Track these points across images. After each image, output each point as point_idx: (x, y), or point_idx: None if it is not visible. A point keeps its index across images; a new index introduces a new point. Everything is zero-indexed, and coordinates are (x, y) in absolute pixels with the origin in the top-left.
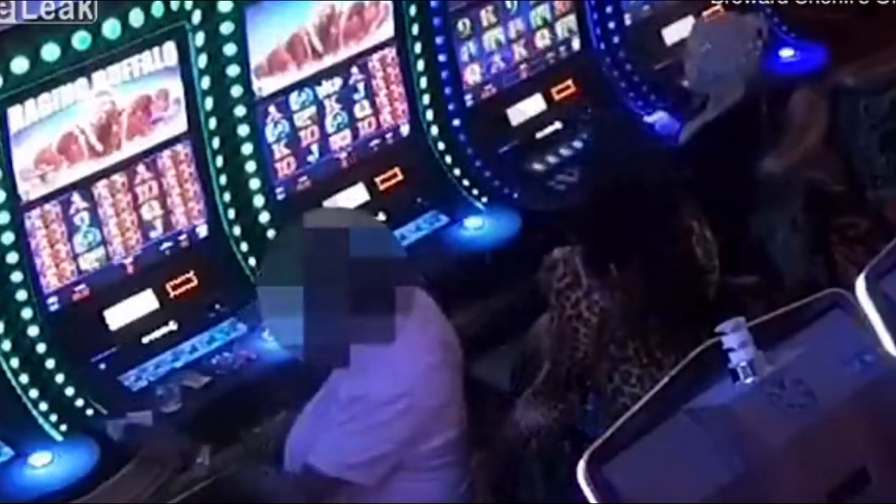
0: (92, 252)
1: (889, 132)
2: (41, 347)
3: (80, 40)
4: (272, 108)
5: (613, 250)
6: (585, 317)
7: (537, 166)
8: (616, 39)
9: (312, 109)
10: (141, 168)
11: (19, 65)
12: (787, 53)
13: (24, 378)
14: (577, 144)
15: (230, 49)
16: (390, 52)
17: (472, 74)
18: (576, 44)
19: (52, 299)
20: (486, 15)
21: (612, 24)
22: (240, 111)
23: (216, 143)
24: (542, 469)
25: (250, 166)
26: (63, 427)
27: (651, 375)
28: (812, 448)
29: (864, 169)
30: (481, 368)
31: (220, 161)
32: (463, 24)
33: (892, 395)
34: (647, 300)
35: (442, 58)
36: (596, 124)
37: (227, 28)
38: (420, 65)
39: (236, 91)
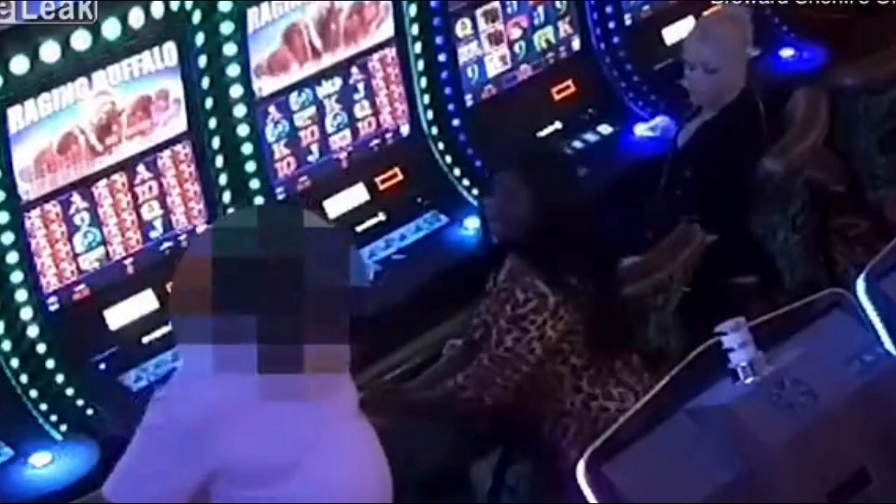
0: (92, 252)
1: (889, 132)
2: (41, 347)
3: (80, 40)
4: (272, 108)
5: (572, 264)
6: (548, 335)
7: None
8: (616, 39)
9: (312, 109)
10: (141, 168)
11: (19, 65)
12: (787, 53)
13: (24, 378)
14: (577, 144)
15: (230, 49)
16: (390, 52)
17: (472, 74)
18: (576, 44)
19: (52, 299)
20: (486, 15)
21: (612, 24)
22: (240, 111)
23: (216, 143)
24: None
25: (250, 166)
26: (63, 427)
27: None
28: (812, 448)
29: (864, 169)
30: None
31: (220, 161)
32: (463, 24)
33: (892, 395)
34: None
35: (442, 58)
36: (520, 157)
37: (227, 28)
38: (420, 65)
39: (236, 91)
